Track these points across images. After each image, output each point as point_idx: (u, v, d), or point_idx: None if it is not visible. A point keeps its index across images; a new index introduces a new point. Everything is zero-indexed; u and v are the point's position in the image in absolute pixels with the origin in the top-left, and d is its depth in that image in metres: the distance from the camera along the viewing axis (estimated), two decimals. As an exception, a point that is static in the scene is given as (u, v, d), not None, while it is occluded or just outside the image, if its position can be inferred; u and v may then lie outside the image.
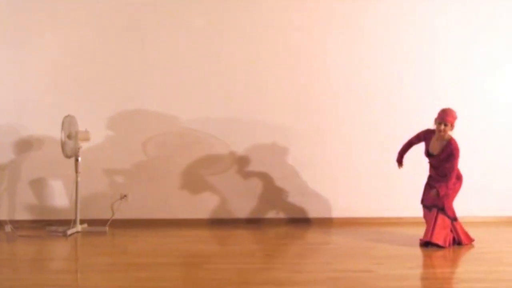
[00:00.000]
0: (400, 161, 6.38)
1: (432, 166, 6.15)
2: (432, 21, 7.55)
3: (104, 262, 5.27)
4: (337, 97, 7.47)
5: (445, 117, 5.98)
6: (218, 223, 7.30)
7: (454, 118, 6.01)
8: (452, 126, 6.00)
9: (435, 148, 6.08)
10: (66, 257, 5.86)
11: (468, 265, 5.42)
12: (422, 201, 6.28)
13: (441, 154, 6.01)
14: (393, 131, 7.27)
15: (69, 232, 6.49)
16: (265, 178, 7.39)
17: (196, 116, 7.34)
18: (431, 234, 5.89)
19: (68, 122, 6.62)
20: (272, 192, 7.40)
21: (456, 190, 6.06)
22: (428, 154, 6.14)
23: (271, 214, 7.39)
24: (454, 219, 6.02)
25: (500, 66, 7.61)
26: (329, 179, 7.42)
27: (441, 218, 5.93)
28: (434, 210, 5.98)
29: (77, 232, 6.63)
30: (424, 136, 6.20)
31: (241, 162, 7.39)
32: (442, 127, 5.98)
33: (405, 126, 6.92)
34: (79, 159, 6.71)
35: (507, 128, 7.59)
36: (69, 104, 7.02)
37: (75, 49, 7.24)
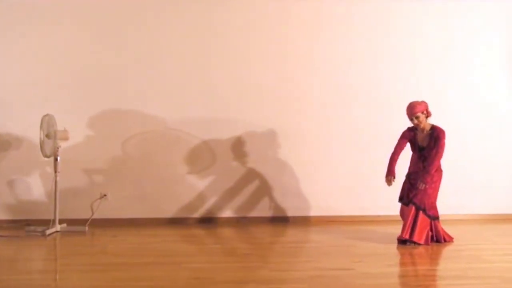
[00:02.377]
0: (393, 173, 6.22)
1: (422, 159, 6.09)
2: (418, 21, 7.62)
3: (83, 262, 5.22)
4: (318, 96, 7.49)
5: (412, 112, 6.02)
6: (198, 222, 7.28)
7: (422, 105, 6.02)
8: (425, 113, 6.03)
9: (423, 140, 6.10)
10: (45, 257, 5.79)
11: (447, 262, 5.45)
12: (401, 199, 6.25)
13: (430, 143, 6.03)
14: (373, 130, 7.32)
15: (48, 232, 6.43)
16: (246, 177, 7.38)
17: (176, 115, 7.32)
18: (411, 233, 5.91)
19: (47, 121, 6.56)
20: (252, 191, 7.39)
21: (436, 188, 6.07)
22: (419, 148, 6.13)
23: (251, 213, 7.39)
24: (435, 218, 6.05)
25: (494, 67, 7.74)
26: (308, 177, 7.44)
27: (422, 218, 5.94)
28: (412, 207, 5.97)
29: (56, 232, 6.58)
30: (409, 134, 6.21)
31: (222, 161, 7.38)
32: (415, 121, 6.03)
33: (385, 125, 6.98)
34: (58, 158, 6.66)
35: (486, 127, 7.68)
36: (47, 103, 6.98)
37: (54, 47, 7.18)
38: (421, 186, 5.95)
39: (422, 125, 6.05)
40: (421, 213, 5.94)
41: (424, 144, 6.10)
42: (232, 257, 5.50)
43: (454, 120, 7.47)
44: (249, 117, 7.38)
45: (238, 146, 7.38)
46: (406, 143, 6.26)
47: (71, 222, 6.85)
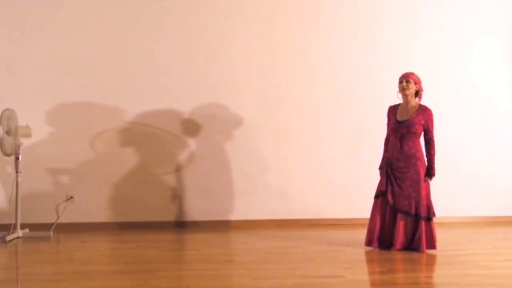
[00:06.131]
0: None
1: (399, 137, 6.02)
2: (416, 17, 7.74)
3: (48, 271, 5.18)
4: (306, 92, 7.54)
5: (407, 75, 6.05)
6: (174, 225, 7.28)
7: (418, 78, 6.07)
8: (416, 85, 6.04)
9: (403, 114, 6.06)
10: (5, 265, 5.70)
11: (442, 268, 5.47)
12: (382, 194, 6.08)
13: (414, 118, 5.98)
14: (363, 128, 7.35)
15: (9, 238, 6.39)
16: (225, 177, 7.38)
17: (148, 109, 7.30)
18: (420, 245, 5.91)
19: (7, 116, 6.51)
20: (232, 192, 7.39)
21: (428, 185, 6.05)
22: (396, 122, 6.05)
23: (231, 216, 7.39)
24: (434, 214, 6.07)
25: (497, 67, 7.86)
26: (293, 177, 7.47)
27: (425, 224, 5.95)
28: (409, 219, 5.95)
29: (18, 237, 6.54)
30: (389, 113, 6.19)
31: (199, 159, 7.37)
32: (404, 84, 6.03)
33: (377, 123, 6.98)
34: (20, 157, 6.62)
35: (482, 127, 7.75)
36: (8, 97, 6.94)
37: (13, 36, 7.14)
38: (431, 179, 6.01)
39: (407, 92, 6.03)
40: (422, 222, 5.95)
41: (402, 118, 6.05)
42: (211, 264, 5.48)
43: (453, 119, 7.54)
44: (230, 113, 7.37)
45: (217, 144, 7.37)
46: None
47: (34, 227, 6.81)
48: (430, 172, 6.03)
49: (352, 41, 7.59)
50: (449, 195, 7.32)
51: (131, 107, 7.26)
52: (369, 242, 6.06)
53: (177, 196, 7.33)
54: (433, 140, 6.05)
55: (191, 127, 7.34)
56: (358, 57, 7.57)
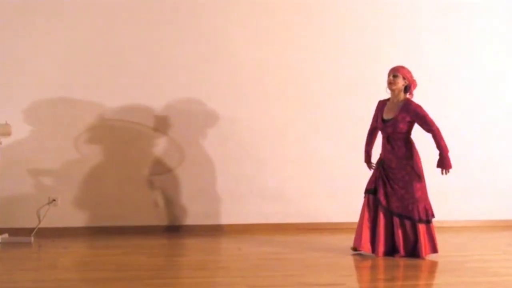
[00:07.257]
0: (369, 161, 6.29)
1: (386, 137, 5.99)
2: (418, 14, 7.75)
3: (29, 279, 5.11)
4: (302, 91, 7.55)
5: (395, 68, 5.97)
6: (164, 230, 7.25)
7: (408, 73, 5.97)
8: (405, 80, 5.95)
9: (389, 112, 5.99)
10: (-17, 273, 5.69)
11: (448, 275, 5.43)
12: (372, 191, 6.04)
13: (398, 116, 5.89)
14: (360, 130, 7.26)
15: (-13, 243, 6.35)
16: (218, 178, 7.37)
17: (136, 106, 7.25)
18: (420, 250, 5.84)
19: (-16, 114, 6.47)
20: (226, 195, 7.37)
21: (425, 185, 5.97)
22: (382, 121, 6.01)
23: (225, 220, 7.36)
24: (433, 216, 6.00)
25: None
26: (290, 179, 7.47)
27: (423, 228, 5.89)
28: (407, 222, 5.89)
29: (-4, 243, 6.49)
30: (377, 109, 6.13)
31: (191, 160, 7.33)
32: (391, 78, 5.95)
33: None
34: (-2, 157, 6.55)
35: (490, 126, 7.77)
36: (-15, 93, 6.87)
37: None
38: (447, 172, 5.89)
39: (394, 87, 5.94)
40: (421, 226, 5.87)
41: (388, 117, 5.98)
42: (203, 271, 5.47)
43: (460, 118, 7.55)
44: (224, 112, 7.37)
45: (210, 144, 7.34)
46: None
47: (14, 232, 6.78)
48: (442, 162, 5.86)
49: (353, 39, 7.60)
50: (456, 197, 7.35)
51: (117, 103, 7.21)
52: (356, 246, 5.99)
53: (167, 199, 7.29)
54: (433, 132, 5.86)
55: (183, 126, 7.32)
56: (359, 56, 7.57)
